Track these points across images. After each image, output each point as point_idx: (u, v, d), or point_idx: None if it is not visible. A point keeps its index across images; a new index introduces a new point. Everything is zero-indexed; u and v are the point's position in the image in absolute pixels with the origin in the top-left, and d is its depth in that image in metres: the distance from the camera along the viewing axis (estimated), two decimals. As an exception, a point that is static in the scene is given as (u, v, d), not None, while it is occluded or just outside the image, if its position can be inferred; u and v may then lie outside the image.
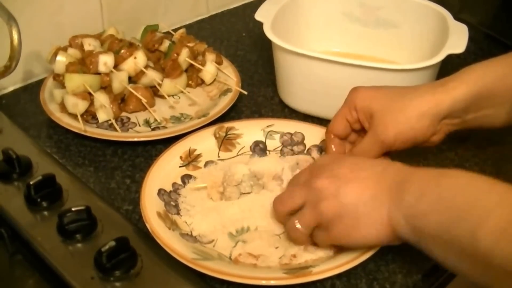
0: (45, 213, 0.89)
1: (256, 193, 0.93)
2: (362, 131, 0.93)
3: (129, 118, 1.08)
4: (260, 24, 1.09)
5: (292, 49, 1.03)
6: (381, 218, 0.76)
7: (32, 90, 1.16)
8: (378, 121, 0.88)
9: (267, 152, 1.00)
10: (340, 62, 1.01)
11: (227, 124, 1.02)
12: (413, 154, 0.99)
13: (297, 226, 0.81)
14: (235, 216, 0.90)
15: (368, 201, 0.77)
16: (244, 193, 0.93)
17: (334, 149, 0.94)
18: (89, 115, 1.06)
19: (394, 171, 0.78)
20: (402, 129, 0.87)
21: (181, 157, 0.96)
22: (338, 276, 0.81)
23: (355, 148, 0.92)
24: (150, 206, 0.87)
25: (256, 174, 0.93)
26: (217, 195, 0.93)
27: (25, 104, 1.14)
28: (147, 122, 1.07)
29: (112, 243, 0.79)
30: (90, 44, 1.11)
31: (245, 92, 1.12)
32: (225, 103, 1.08)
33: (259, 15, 1.11)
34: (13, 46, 0.83)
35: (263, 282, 0.78)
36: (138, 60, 1.08)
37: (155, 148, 1.02)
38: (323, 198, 0.78)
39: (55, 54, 1.08)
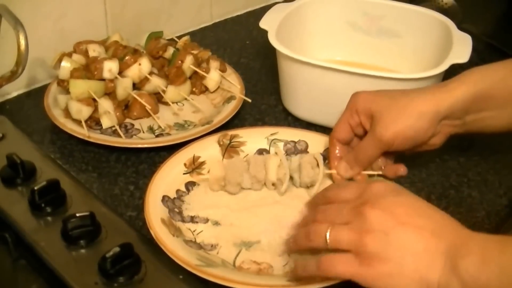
0: (49, 218, 0.89)
1: (258, 193, 0.96)
2: (364, 136, 0.93)
3: (133, 125, 1.09)
4: (263, 32, 1.10)
5: (297, 57, 1.04)
6: (428, 278, 0.69)
7: (36, 95, 1.16)
8: (377, 119, 0.88)
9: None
10: (344, 71, 1.02)
11: (231, 132, 1.02)
12: (416, 164, 1.00)
13: (325, 234, 0.73)
14: (239, 223, 0.90)
15: (419, 253, 0.69)
16: (245, 188, 0.95)
17: (338, 154, 0.95)
18: (93, 121, 1.06)
19: (453, 228, 0.71)
20: (401, 128, 0.87)
21: (185, 164, 0.96)
22: (341, 285, 0.80)
23: (356, 147, 0.93)
24: (154, 212, 0.87)
25: (258, 177, 0.94)
26: (218, 187, 0.94)
27: (28, 109, 1.14)
28: (151, 129, 1.08)
29: (117, 249, 0.79)
30: (94, 50, 1.11)
31: (249, 100, 1.12)
32: (229, 110, 1.09)
33: (263, 23, 1.11)
34: (20, 52, 0.84)
35: (266, 289, 0.78)
36: (142, 66, 1.08)
37: (159, 155, 1.03)
38: (371, 230, 0.71)
39: (60, 60, 1.08)
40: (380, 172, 0.94)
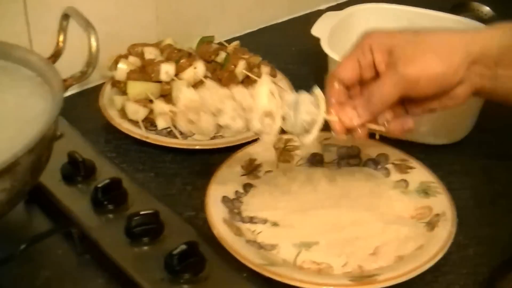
0: (111, 216, 0.91)
1: (314, 195, 0.96)
2: (371, 81, 0.82)
3: (187, 126, 1.11)
4: (308, 39, 1.13)
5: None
6: None
7: (88, 96, 1.19)
8: (399, 55, 0.78)
9: (324, 164, 1.02)
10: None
11: (285, 136, 1.04)
12: (462, 171, 1.02)
13: None
14: (297, 225, 0.92)
15: None
16: (221, 126, 0.83)
17: (336, 99, 0.82)
18: (148, 122, 1.09)
19: None
20: (429, 64, 0.77)
21: (242, 166, 0.98)
22: (399, 285, 0.82)
23: (369, 89, 0.81)
24: (216, 212, 0.89)
25: (244, 105, 0.82)
26: (186, 122, 0.83)
27: (82, 109, 1.16)
28: (204, 131, 1.10)
29: (183, 247, 0.81)
30: (150, 53, 1.13)
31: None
32: (282, 115, 1.10)
33: (315, 31, 1.14)
34: (91, 53, 0.86)
35: (328, 288, 0.80)
36: (198, 70, 1.10)
37: (213, 156, 1.05)
38: None
39: (116, 62, 1.10)
40: (383, 129, 0.83)
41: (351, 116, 0.80)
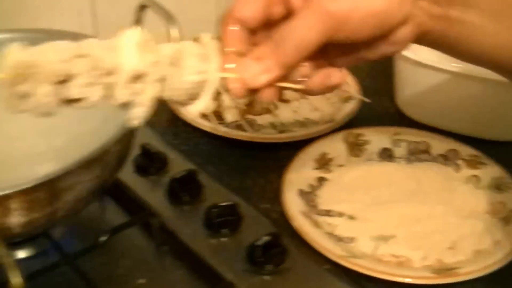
0: (187, 207, 0.92)
1: (389, 190, 0.97)
2: (278, 25, 0.58)
3: (255, 120, 1.11)
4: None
5: (419, 60, 1.05)
6: None
7: (153, 89, 1.19)
8: None
9: (395, 159, 1.03)
10: (470, 76, 1.02)
11: (355, 131, 1.04)
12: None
13: None
14: (374, 218, 0.92)
15: None
16: (73, 101, 0.55)
17: (235, 49, 0.59)
18: (215, 115, 1.09)
19: None
20: None
21: (314, 160, 0.99)
22: (476, 280, 0.82)
23: (280, 31, 0.57)
24: (294, 205, 0.90)
25: (104, 65, 0.54)
26: (10, 99, 0.53)
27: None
28: (272, 125, 1.10)
29: (266, 238, 0.82)
30: (216, 46, 1.14)
31: (368, 100, 1.14)
32: (349, 109, 1.11)
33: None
34: (171, 44, 0.86)
35: (410, 280, 0.80)
36: (264, 64, 1.10)
37: (283, 150, 1.04)
38: None
39: (183, 55, 1.10)
40: (300, 87, 0.60)
41: (255, 72, 0.57)
